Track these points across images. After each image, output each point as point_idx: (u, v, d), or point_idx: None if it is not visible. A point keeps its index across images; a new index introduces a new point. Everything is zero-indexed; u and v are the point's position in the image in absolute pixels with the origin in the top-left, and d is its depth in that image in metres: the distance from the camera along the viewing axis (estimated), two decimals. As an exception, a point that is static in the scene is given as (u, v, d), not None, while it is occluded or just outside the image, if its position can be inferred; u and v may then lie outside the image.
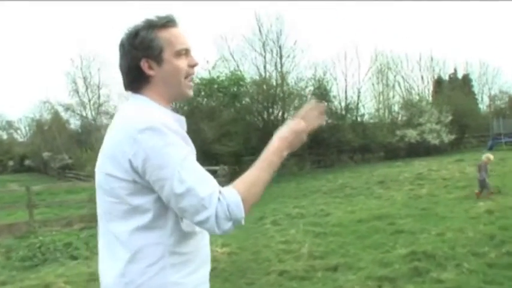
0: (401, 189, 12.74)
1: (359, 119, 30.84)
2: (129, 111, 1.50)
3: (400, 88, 36.12)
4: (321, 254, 6.28)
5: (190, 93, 1.63)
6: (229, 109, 24.82)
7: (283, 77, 27.15)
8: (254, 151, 23.66)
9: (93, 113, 42.61)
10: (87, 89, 41.76)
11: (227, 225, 1.35)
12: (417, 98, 33.50)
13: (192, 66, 1.60)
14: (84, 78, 41.51)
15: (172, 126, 1.41)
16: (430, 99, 35.81)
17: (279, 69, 28.01)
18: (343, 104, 29.91)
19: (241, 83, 25.66)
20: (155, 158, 1.36)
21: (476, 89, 46.73)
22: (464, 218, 7.76)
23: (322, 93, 27.48)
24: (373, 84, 33.21)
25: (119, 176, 1.42)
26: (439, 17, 74.90)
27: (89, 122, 42.52)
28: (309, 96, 27.64)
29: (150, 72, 1.53)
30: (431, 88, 39.60)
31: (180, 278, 1.47)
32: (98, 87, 42.00)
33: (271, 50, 28.38)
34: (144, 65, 1.52)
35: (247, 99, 26.04)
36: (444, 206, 9.02)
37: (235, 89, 25.06)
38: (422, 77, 39.13)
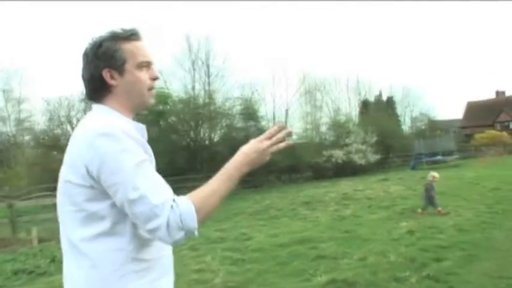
0: (326, 210, 12.56)
1: (287, 139, 30.97)
2: (90, 120, 1.51)
3: (328, 109, 36.82)
4: (236, 284, 5.77)
5: (152, 102, 1.66)
6: (153, 127, 24.05)
7: (210, 96, 26.79)
8: (180, 171, 23.03)
9: (13, 129, 40.27)
10: (6, 103, 39.52)
11: (179, 234, 1.35)
12: (344, 119, 34.16)
13: (153, 79, 1.63)
14: (4, 92, 39.29)
15: (130, 133, 1.43)
16: (357, 120, 36.70)
17: (207, 88, 27.67)
18: (271, 125, 29.88)
19: (167, 101, 24.97)
20: (109, 163, 1.36)
21: (399, 111, 48.76)
22: (386, 239, 7.55)
23: (250, 113, 27.36)
24: (301, 105, 33.60)
25: (76, 182, 1.42)
26: (366, 42, 77.80)
27: (9, 138, 40.07)
28: (237, 116, 27.42)
29: (112, 82, 1.55)
30: (357, 109, 40.72)
31: (142, 285, 1.46)
32: (19, 101, 39.87)
33: (200, 69, 28.06)
34: (106, 74, 1.54)
35: (174, 118, 25.38)
36: (367, 227, 8.83)
37: (161, 107, 24.36)
38: (349, 99, 40.13)
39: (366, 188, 17.15)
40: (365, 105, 42.08)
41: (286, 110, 31.30)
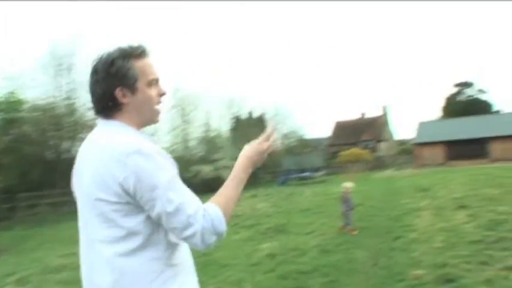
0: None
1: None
2: (107, 136, 1.54)
3: (199, 124, 36.04)
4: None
5: (159, 118, 1.71)
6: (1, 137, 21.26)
7: (73, 104, 24.60)
8: (34, 187, 20.52)
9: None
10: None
11: (212, 239, 1.47)
12: (214, 134, 33.71)
13: (161, 95, 1.69)
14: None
15: (157, 149, 1.51)
16: (228, 136, 36.47)
17: (70, 96, 25.22)
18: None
19: (19, 108, 22.30)
20: (146, 180, 1.42)
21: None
22: (245, 265, 6.88)
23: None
24: (170, 119, 32.48)
25: (110, 200, 1.45)
26: (240, 59, 78.89)
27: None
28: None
29: (123, 100, 1.59)
30: (229, 126, 40.53)
31: None
32: None
33: (64, 75, 25.41)
34: (118, 93, 1.57)
35: (28, 127, 22.77)
36: (228, 250, 8.11)
37: (11, 114, 21.68)
38: (221, 115, 39.72)
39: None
40: (237, 121, 42.14)
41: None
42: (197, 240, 1.44)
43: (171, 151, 31.18)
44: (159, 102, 1.68)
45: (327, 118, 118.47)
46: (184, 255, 1.62)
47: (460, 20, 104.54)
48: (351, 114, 72.43)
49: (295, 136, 52.34)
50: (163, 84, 1.70)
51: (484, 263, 5.75)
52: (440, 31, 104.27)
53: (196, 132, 34.69)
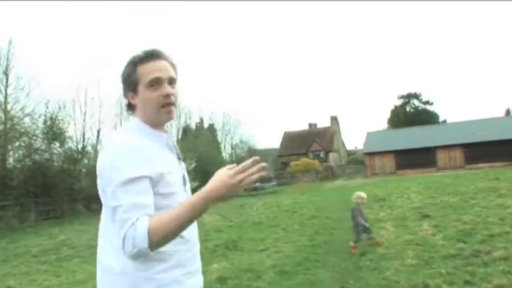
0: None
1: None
2: (115, 133, 2.07)
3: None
4: None
5: (167, 118, 1.81)
6: None
7: (6, 110, 22.58)
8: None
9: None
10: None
11: (132, 251, 1.47)
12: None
13: (164, 95, 1.74)
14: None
15: (137, 148, 1.63)
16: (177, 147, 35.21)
17: (1, 99, 23.09)
18: (79, 146, 26.58)
19: None
20: (105, 176, 1.62)
21: (220, 138, 48.69)
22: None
23: (55, 132, 23.86)
24: (115, 127, 30.68)
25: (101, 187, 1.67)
26: (189, 68, 77.66)
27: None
28: (40, 135, 23.69)
29: (133, 102, 1.80)
30: (179, 136, 39.12)
31: (153, 274, 1.64)
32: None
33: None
34: (128, 95, 1.81)
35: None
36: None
37: None
38: (170, 125, 38.25)
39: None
40: (185, 131, 40.87)
41: (98, 131, 28.15)
42: (122, 244, 1.50)
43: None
44: (162, 102, 1.74)
45: (277, 128, 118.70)
46: (173, 248, 1.66)
47: (406, 31, 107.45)
48: (300, 125, 72.46)
49: (245, 146, 51.56)
50: (167, 85, 1.76)
51: (469, 283, 4.97)
52: (387, 42, 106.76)
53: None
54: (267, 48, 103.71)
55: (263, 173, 1.57)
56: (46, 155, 23.99)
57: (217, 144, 46.16)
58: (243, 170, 1.53)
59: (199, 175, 30.47)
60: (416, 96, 61.32)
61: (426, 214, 10.43)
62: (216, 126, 48.88)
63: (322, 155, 53.18)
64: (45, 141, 23.91)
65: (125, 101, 1.84)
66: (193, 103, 71.97)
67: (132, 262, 1.58)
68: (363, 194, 8.01)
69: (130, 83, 1.77)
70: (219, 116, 49.63)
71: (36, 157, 23.51)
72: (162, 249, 1.57)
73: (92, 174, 25.93)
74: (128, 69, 1.77)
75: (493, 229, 7.79)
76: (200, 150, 32.11)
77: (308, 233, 9.79)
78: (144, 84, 1.73)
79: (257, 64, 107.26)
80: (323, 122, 61.65)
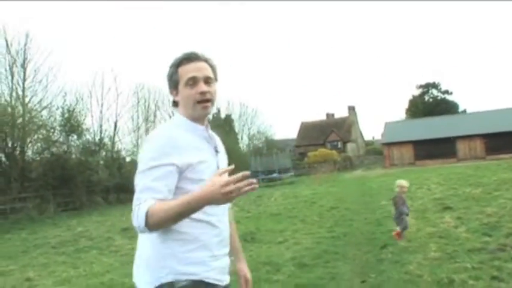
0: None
1: (115, 155, 27.80)
2: (157, 128, 2.09)
3: (161, 123, 34.24)
4: None
5: (203, 113, 2.01)
6: None
7: (24, 102, 22.72)
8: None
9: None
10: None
11: (135, 225, 1.72)
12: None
13: (199, 93, 1.96)
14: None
15: (170, 139, 1.88)
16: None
17: (19, 93, 23.22)
18: (97, 138, 26.65)
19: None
20: (139, 157, 1.93)
21: (237, 129, 48.49)
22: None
23: (72, 125, 23.95)
24: (132, 118, 30.70)
25: None
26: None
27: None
28: (57, 127, 23.81)
29: (176, 98, 2.05)
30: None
31: (181, 252, 1.85)
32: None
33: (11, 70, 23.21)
34: (172, 93, 2.06)
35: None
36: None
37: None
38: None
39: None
40: (203, 121, 40.76)
41: (115, 123, 28.21)
42: (131, 218, 1.76)
43: (131, 153, 29.58)
44: (198, 99, 1.96)
45: (295, 119, 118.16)
46: (200, 231, 1.89)
47: (425, 21, 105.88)
48: (318, 115, 71.87)
49: (263, 137, 51.33)
50: (203, 84, 1.97)
51: (496, 278, 4.77)
52: (406, 32, 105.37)
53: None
54: (285, 38, 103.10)
55: (252, 188, 1.65)
56: (64, 147, 24.11)
57: (235, 134, 45.94)
58: (234, 182, 1.63)
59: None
60: (435, 85, 60.34)
61: (448, 206, 10.19)
62: (233, 117, 48.64)
63: (340, 145, 52.79)
64: (63, 133, 24.01)
65: (170, 98, 2.09)
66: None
67: (162, 241, 1.85)
68: (404, 183, 7.55)
69: (173, 82, 2.02)
70: (236, 107, 49.13)
71: (54, 149, 23.64)
72: (187, 231, 1.85)
73: (109, 166, 26.09)
74: (171, 70, 2.02)
75: (521, 222, 7.56)
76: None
77: (327, 225, 9.64)
78: (183, 83, 1.98)
79: (275, 54, 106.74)
80: (341, 112, 61.16)
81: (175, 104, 2.07)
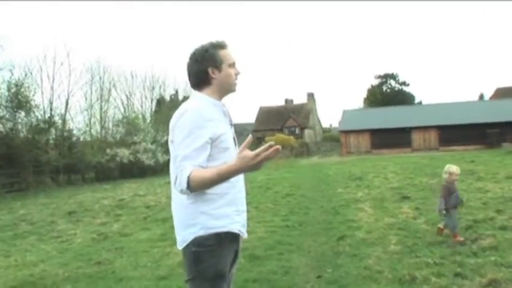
0: (92, 222, 9.81)
1: (66, 134, 26.54)
2: (187, 103, 2.29)
3: (118, 104, 32.88)
4: None
5: (235, 89, 2.44)
6: None
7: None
8: None
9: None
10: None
11: (178, 188, 2.05)
12: (134, 115, 31.00)
13: (237, 74, 2.43)
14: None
15: (203, 113, 2.18)
16: (149, 118, 33.96)
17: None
18: (47, 116, 25.33)
19: None
20: (177, 131, 2.17)
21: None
22: (150, 278, 5.19)
23: (20, 100, 22.60)
24: (85, 96, 29.35)
25: (171, 139, 2.23)
26: (166, 39, 76.00)
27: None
28: (3, 103, 22.43)
29: (213, 76, 2.33)
30: (153, 107, 37.85)
31: (209, 210, 2.17)
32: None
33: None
34: (211, 71, 2.32)
35: None
36: (131, 255, 6.38)
37: None
38: (144, 96, 36.77)
39: (149, 192, 14.84)
40: (159, 103, 39.59)
41: (67, 100, 26.87)
42: (173, 182, 2.10)
43: (83, 132, 28.39)
44: (236, 79, 2.42)
45: (253, 103, 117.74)
46: (227, 189, 2.21)
47: (386, 13, 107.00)
48: (277, 100, 71.45)
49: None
50: (239, 67, 2.44)
51: (459, 275, 4.46)
52: (368, 23, 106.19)
53: (114, 112, 31.76)
54: (246, 23, 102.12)
55: (278, 154, 1.94)
56: (10, 124, 22.75)
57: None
58: (262, 152, 1.91)
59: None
60: (393, 76, 61.12)
61: (405, 195, 9.99)
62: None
63: (297, 131, 52.64)
64: (9, 109, 22.63)
65: (197, 76, 2.35)
66: (169, 74, 70.54)
67: (193, 201, 2.16)
68: (455, 168, 6.11)
69: (216, 62, 2.31)
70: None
71: (0, 126, 22.33)
72: (215, 191, 2.14)
73: (59, 145, 24.96)
74: (213, 51, 2.31)
75: (477, 214, 7.37)
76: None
77: (282, 213, 9.21)
78: (228, 64, 2.34)
79: (236, 37, 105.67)
80: (300, 99, 61.05)
81: (202, 82, 2.34)
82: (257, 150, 1.91)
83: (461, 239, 5.80)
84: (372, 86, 62.19)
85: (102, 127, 29.56)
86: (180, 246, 2.25)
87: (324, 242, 6.45)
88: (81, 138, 28.07)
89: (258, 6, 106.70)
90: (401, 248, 5.64)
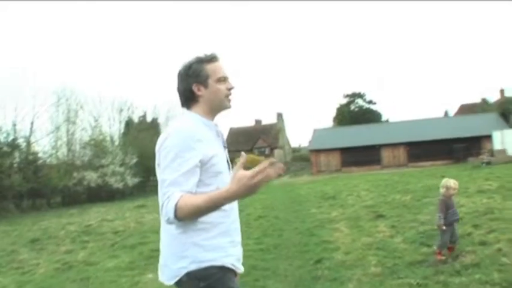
0: (57, 251, 9.32)
1: (30, 157, 25.67)
2: (176, 121, 2.12)
3: (86, 126, 32.04)
4: None
5: (229, 106, 2.23)
6: None
7: None
8: None
9: None
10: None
11: (165, 217, 1.82)
12: (101, 137, 30.29)
13: (229, 89, 2.21)
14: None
15: (193, 134, 1.97)
16: (118, 141, 33.29)
17: None
18: (10, 138, 24.47)
19: None
20: (162, 153, 1.96)
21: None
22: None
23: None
24: (51, 118, 28.54)
25: (157, 163, 2.02)
26: (131, 62, 75.56)
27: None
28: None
29: (199, 93, 2.15)
30: (121, 130, 37.20)
31: (201, 240, 1.96)
32: None
33: None
34: (195, 88, 2.14)
35: None
36: (97, 287, 5.99)
37: None
38: (112, 118, 36.04)
39: (117, 217, 14.31)
40: (128, 125, 38.99)
41: (32, 123, 26.09)
42: (160, 210, 1.87)
43: (50, 155, 27.54)
44: (228, 94, 2.20)
45: (223, 124, 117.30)
46: (216, 220, 1.99)
47: (351, 32, 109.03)
48: (246, 121, 71.49)
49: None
50: (231, 81, 2.22)
51: (445, 298, 4.27)
52: (333, 41, 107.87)
53: (82, 134, 30.91)
54: (215, 43, 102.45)
55: (280, 172, 1.73)
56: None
57: (161, 138, 44.46)
58: (261, 171, 1.67)
59: (141, 171, 29.09)
60: (360, 95, 61.82)
61: (380, 214, 9.83)
62: (159, 121, 47.07)
63: (267, 151, 52.62)
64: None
65: (184, 94, 2.18)
66: (137, 96, 69.84)
67: (183, 231, 1.96)
68: (453, 183, 5.86)
69: (201, 77, 2.13)
70: (163, 111, 47.64)
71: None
72: (207, 219, 1.93)
73: (24, 169, 24.10)
74: (198, 66, 2.13)
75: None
76: (143, 145, 30.65)
77: (255, 235, 8.91)
78: (215, 79, 2.14)
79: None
80: (269, 119, 61.15)
81: (190, 100, 2.16)
82: (256, 169, 1.67)
83: (443, 257, 5.63)
84: (340, 105, 62.77)
85: (69, 150, 28.75)
86: (170, 281, 2.00)
87: (301, 265, 6.18)
88: (47, 162, 27.21)
89: (224, 26, 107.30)
90: (382, 269, 5.43)
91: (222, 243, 2.01)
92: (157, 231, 10.36)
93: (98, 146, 28.42)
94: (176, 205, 1.77)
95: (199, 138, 1.97)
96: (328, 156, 39.37)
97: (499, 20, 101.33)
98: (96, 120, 32.79)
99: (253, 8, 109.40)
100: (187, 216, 1.80)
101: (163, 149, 1.95)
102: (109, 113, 35.42)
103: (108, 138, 31.45)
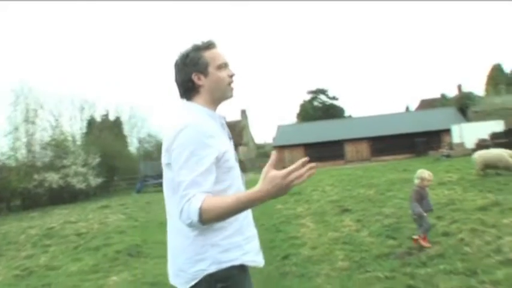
0: (17, 256, 8.99)
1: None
2: (179, 115, 1.98)
3: (47, 126, 31.05)
4: None
5: (232, 94, 2.12)
6: None
7: None
8: None
9: None
10: None
11: (187, 221, 1.71)
12: (62, 137, 29.48)
13: (231, 76, 2.08)
14: None
15: (203, 128, 1.85)
16: (80, 140, 32.51)
17: None
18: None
19: None
20: (175, 153, 1.83)
21: (126, 132, 46.24)
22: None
23: None
24: (9, 118, 27.55)
25: (168, 163, 1.89)
26: (95, 60, 74.14)
27: None
28: None
29: (199, 83, 2.02)
30: (83, 129, 36.33)
31: (219, 240, 1.86)
32: None
33: None
34: (195, 77, 2.02)
35: None
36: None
37: None
38: (74, 117, 35.12)
39: (81, 219, 13.93)
40: (90, 124, 38.15)
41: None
42: (178, 214, 1.73)
43: (8, 156, 26.65)
44: (230, 82, 2.08)
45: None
46: (232, 218, 1.82)
47: (313, 29, 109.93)
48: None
49: (153, 140, 49.55)
50: (232, 67, 2.09)
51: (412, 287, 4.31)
52: (296, 38, 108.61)
53: (42, 135, 29.94)
54: (179, 38, 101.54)
55: (313, 172, 1.67)
56: None
57: (124, 138, 43.71)
58: (294, 171, 1.63)
59: (104, 171, 28.54)
60: (323, 91, 62.43)
61: (346, 208, 9.91)
62: (122, 119, 46.25)
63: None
64: None
65: (183, 85, 2.05)
66: (100, 95, 68.49)
67: (199, 233, 1.86)
68: (427, 174, 6.00)
69: (201, 65, 2.01)
70: (126, 109, 46.81)
71: None
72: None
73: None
74: (196, 54, 2.02)
75: (418, 222, 7.35)
76: (105, 144, 30.04)
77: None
78: (215, 66, 2.02)
79: (170, 55, 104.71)
80: (233, 116, 61.04)
81: (190, 91, 2.05)
82: (289, 169, 1.62)
83: (429, 245, 5.75)
84: (304, 101, 63.24)
85: (28, 151, 27.85)
86: (187, 285, 1.87)
87: (268, 262, 6.13)
88: (6, 164, 26.33)
89: (186, 22, 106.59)
90: (350, 263, 5.46)
91: (239, 241, 1.93)
92: (121, 232, 10.24)
93: (59, 146, 27.67)
94: (201, 208, 1.68)
95: (211, 134, 1.87)
96: (292, 152, 39.58)
97: (457, 18, 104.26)
98: (56, 120, 31.91)
99: (216, 5, 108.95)
100: (213, 219, 1.71)
101: (177, 148, 1.82)
102: (70, 112, 34.58)
103: (69, 138, 30.65)
